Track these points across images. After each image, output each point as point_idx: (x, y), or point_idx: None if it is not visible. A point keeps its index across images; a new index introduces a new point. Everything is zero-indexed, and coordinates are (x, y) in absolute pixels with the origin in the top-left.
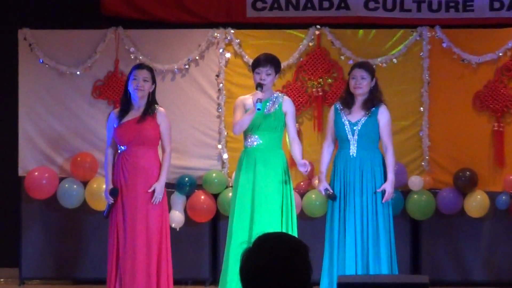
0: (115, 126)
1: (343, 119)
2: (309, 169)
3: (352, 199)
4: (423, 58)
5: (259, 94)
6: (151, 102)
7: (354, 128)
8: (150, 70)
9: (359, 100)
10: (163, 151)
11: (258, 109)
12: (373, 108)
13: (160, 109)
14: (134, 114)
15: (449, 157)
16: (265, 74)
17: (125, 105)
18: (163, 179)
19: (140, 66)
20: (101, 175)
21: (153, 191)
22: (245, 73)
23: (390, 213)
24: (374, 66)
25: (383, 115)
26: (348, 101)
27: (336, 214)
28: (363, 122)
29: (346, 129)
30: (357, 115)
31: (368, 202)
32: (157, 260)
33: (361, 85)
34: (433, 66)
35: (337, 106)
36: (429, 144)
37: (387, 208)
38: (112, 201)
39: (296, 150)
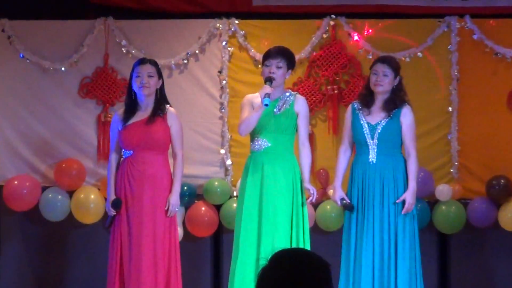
0: (119, 128)
1: (361, 121)
2: (314, 199)
3: (371, 211)
4: (452, 51)
5: (267, 89)
6: (160, 100)
7: (374, 130)
8: (155, 64)
9: (379, 100)
10: (174, 157)
11: (266, 105)
12: (395, 109)
13: (171, 109)
14: (141, 115)
15: (481, 163)
16: (276, 67)
17: (131, 106)
18: (177, 189)
19: (142, 61)
20: (89, 183)
21: (162, 202)
22: (251, 69)
23: (415, 227)
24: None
25: (406, 116)
26: (367, 99)
27: (353, 227)
28: (383, 124)
29: (365, 132)
30: (377, 117)
31: (389, 214)
32: (166, 277)
33: (382, 83)
34: (462, 60)
35: (355, 105)
36: (458, 149)
37: (411, 220)
38: (115, 213)
39: (305, 160)
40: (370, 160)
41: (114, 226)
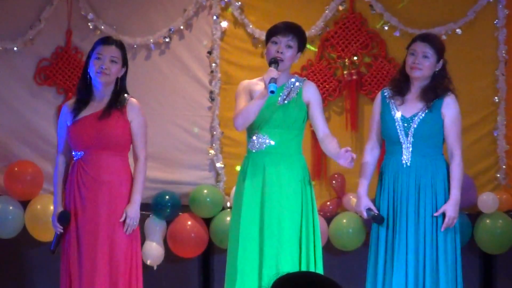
0: (68, 123)
1: (393, 112)
2: (355, 157)
3: (405, 224)
4: (498, 28)
5: (273, 72)
6: (120, 90)
7: (409, 125)
8: (121, 47)
9: (416, 87)
10: (136, 158)
11: (272, 92)
12: (436, 99)
13: (132, 101)
14: (95, 106)
15: None
16: (285, 46)
17: (84, 94)
18: (137, 199)
19: (106, 41)
20: (47, 191)
21: (121, 216)
22: (248, 49)
23: (457, 243)
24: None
25: (449, 107)
26: (401, 85)
27: (382, 243)
28: (421, 117)
29: (397, 126)
30: (413, 108)
31: (426, 228)
32: None
33: (421, 66)
34: None
35: (385, 93)
36: (506, 148)
37: (452, 235)
38: (62, 230)
39: (332, 146)
40: (404, 161)
41: (63, 246)
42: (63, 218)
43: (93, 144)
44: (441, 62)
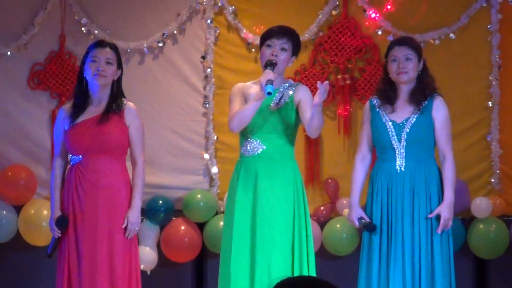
0: (66, 128)
1: (384, 119)
2: (327, 87)
3: (400, 231)
4: (492, 32)
5: (269, 74)
6: (117, 94)
7: (401, 130)
8: (115, 49)
9: (404, 91)
10: (134, 163)
11: (269, 94)
12: (425, 101)
13: (130, 105)
14: (93, 111)
15: None
16: (279, 49)
17: (80, 98)
18: (137, 204)
19: (100, 44)
20: (41, 196)
21: (120, 220)
22: (242, 54)
23: (450, 248)
24: (421, 44)
25: (439, 110)
26: (388, 94)
27: (375, 251)
28: (413, 121)
29: (390, 133)
30: (403, 113)
31: (421, 234)
32: None
33: (407, 69)
34: (505, 43)
35: (374, 101)
36: (500, 153)
37: (447, 240)
38: (59, 234)
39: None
40: (398, 167)
41: (61, 251)
42: (62, 222)
43: (92, 148)
44: (422, 61)
